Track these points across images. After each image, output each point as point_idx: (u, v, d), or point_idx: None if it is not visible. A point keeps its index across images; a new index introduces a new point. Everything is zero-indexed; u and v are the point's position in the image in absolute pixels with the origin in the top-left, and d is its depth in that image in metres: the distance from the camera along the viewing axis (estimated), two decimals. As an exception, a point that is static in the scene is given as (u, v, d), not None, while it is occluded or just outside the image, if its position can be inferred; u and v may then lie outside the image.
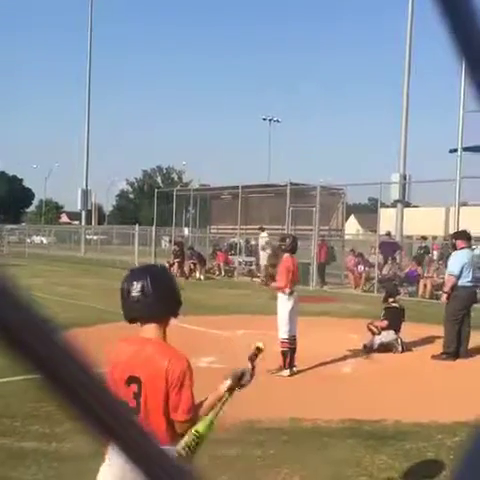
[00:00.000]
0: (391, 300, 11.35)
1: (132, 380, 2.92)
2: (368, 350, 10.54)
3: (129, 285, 2.99)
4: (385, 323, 10.80)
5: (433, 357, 10.22)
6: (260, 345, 3.32)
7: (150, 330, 3.02)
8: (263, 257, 25.57)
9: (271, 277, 24.59)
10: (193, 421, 2.93)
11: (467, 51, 0.46)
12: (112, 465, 2.85)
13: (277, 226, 24.02)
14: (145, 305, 2.96)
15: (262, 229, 25.56)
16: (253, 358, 3.26)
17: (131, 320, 3.05)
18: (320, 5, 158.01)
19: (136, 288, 2.96)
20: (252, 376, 3.19)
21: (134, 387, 2.91)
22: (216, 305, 16.43)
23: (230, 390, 3.09)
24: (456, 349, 10.32)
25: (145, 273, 3.06)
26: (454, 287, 10.56)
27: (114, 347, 3.11)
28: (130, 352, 3.01)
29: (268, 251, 25.27)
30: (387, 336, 10.71)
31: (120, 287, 3.04)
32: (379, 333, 10.73)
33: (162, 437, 2.87)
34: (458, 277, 10.49)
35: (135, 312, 3.01)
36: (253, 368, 3.22)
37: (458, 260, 10.62)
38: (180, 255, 26.24)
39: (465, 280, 10.50)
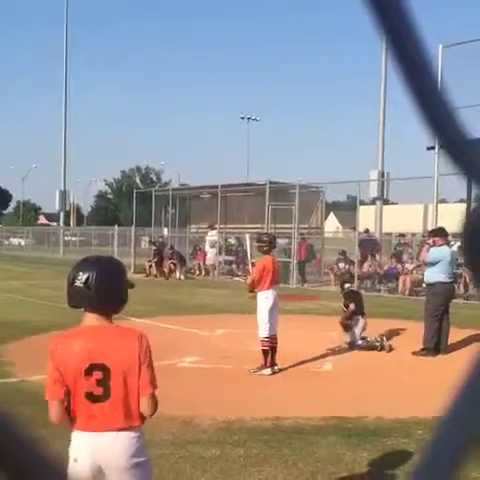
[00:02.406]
0: (347, 286, 11.60)
1: (94, 368, 2.94)
2: (351, 347, 10.58)
3: (75, 274, 3.02)
4: (352, 305, 10.87)
5: (414, 353, 10.28)
6: None
7: (94, 319, 3.05)
8: (211, 256, 25.71)
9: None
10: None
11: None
12: (79, 465, 2.93)
13: (257, 225, 24.04)
14: (86, 297, 2.99)
15: (212, 227, 25.75)
16: None
17: (73, 306, 3.10)
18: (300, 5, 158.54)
19: (81, 279, 2.99)
20: None
21: (98, 374, 2.94)
22: (196, 305, 16.40)
23: None
24: (436, 345, 10.41)
25: (93, 265, 3.07)
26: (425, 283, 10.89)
27: (54, 342, 3.09)
28: (83, 343, 3.01)
29: (215, 249, 25.49)
30: (359, 323, 10.78)
31: (68, 276, 3.06)
32: (351, 318, 10.81)
33: (137, 417, 2.98)
34: (431, 265, 10.72)
35: (76, 301, 3.05)
36: None
37: (437, 255, 10.74)
38: (158, 255, 26.19)
39: (443, 276, 10.59)
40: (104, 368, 2.94)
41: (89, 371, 2.93)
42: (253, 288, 9.14)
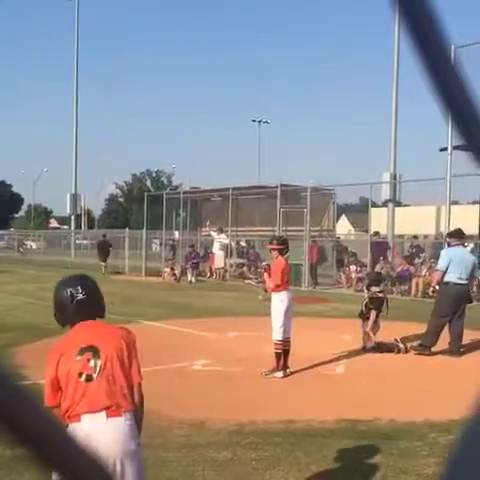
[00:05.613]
0: (376, 290, 11.23)
1: (84, 350, 3.20)
2: (369, 350, 10.47)
3: (73, 290, 3.34)
4: (374, 314, 10.75)
5: (411, 348, 10.40)
6: None
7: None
8: (219, 259, 25.55)
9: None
10: None
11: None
12: None
13: (268, 227, 24.02)
14: (91, 304, 3.38)
15: (221, 230, 25.63)
16: None
17: (71, 323, 3.40)
18: (309, 3, 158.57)
19: (81, 291, 3.35)
20: None
21: (88, 355, 3.20)
22: (208, 307, 16.38)
23: None
24: (434, 343, 10.39)
25: (79, 279, 3.48)
26: (441, 282, 10.74)
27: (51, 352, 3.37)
28: (73, 335, 3.34)
29: (223, 252, 25.42)
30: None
31: (60, 296, 3.38)
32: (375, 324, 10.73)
33: (129, 400, 3.19)
34: (445, 272, 10.61)
35: (81, 313, 3.34)
36: None
37: (446, 256, 10.78)
38: (172, 258, 26.30)
39: (454, 276, 10.52)
40: (93, 348, 3.23)
41: (80, 353, 3.19)
42: (272, 290, 9.05)
